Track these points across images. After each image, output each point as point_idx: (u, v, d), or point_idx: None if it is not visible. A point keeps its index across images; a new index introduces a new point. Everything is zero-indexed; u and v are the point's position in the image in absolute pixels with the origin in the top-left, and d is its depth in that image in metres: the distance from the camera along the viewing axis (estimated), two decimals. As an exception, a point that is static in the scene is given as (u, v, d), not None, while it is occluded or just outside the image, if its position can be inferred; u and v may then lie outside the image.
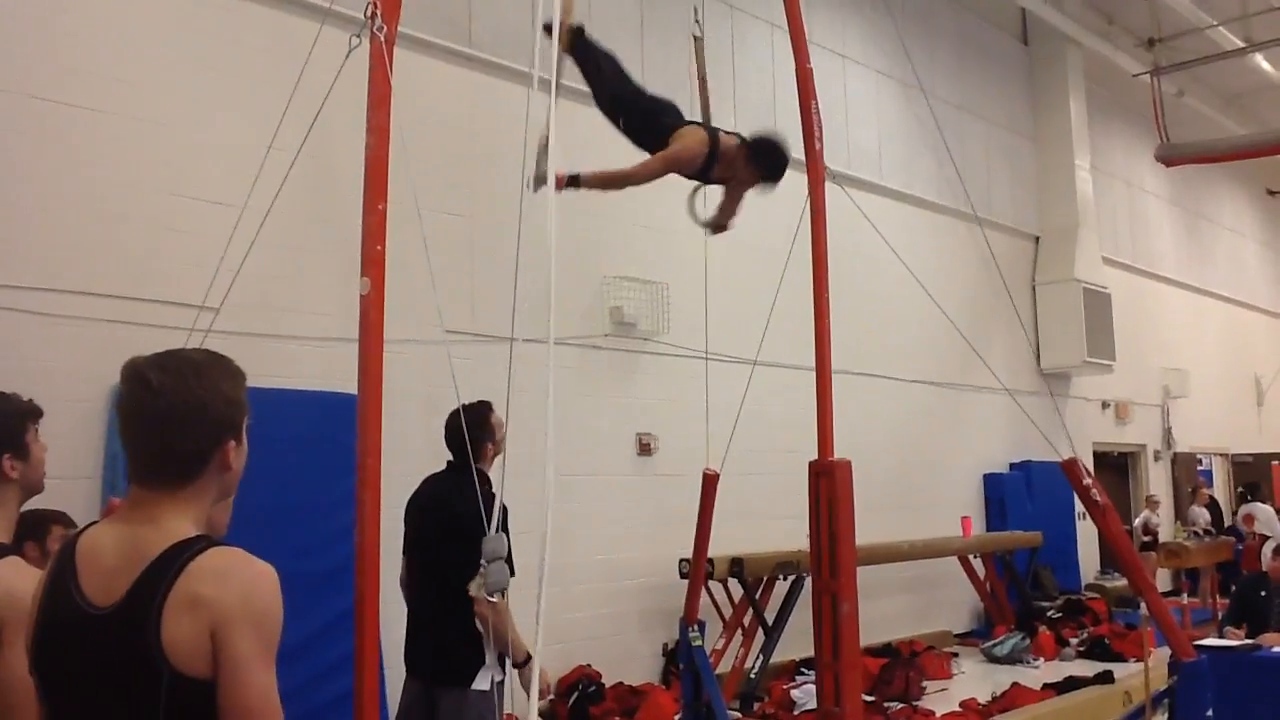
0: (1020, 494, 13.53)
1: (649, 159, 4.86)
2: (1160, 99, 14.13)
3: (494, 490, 4.14)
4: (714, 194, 5.36)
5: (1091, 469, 6.44)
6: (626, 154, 5.12)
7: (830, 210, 6.33)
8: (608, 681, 8.28)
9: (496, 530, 3.18)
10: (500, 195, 7.69)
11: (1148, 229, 17.81)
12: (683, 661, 7.02)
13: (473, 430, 4.37)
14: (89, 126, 6.35)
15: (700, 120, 5.28)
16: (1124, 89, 16.28)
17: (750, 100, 10.69)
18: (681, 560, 8.15)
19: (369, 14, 3.75)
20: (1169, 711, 5.89)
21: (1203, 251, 19.40)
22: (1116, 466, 16.74)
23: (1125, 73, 15.53)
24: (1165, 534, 14.96)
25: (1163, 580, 14.63)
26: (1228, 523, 15.73)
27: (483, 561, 3.38)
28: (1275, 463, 18.51)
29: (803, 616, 7.39)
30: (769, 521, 9.44)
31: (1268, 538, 10.93)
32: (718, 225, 5.36)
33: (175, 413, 1.90)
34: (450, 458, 4.64)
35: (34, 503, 3.00)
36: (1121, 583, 13.62)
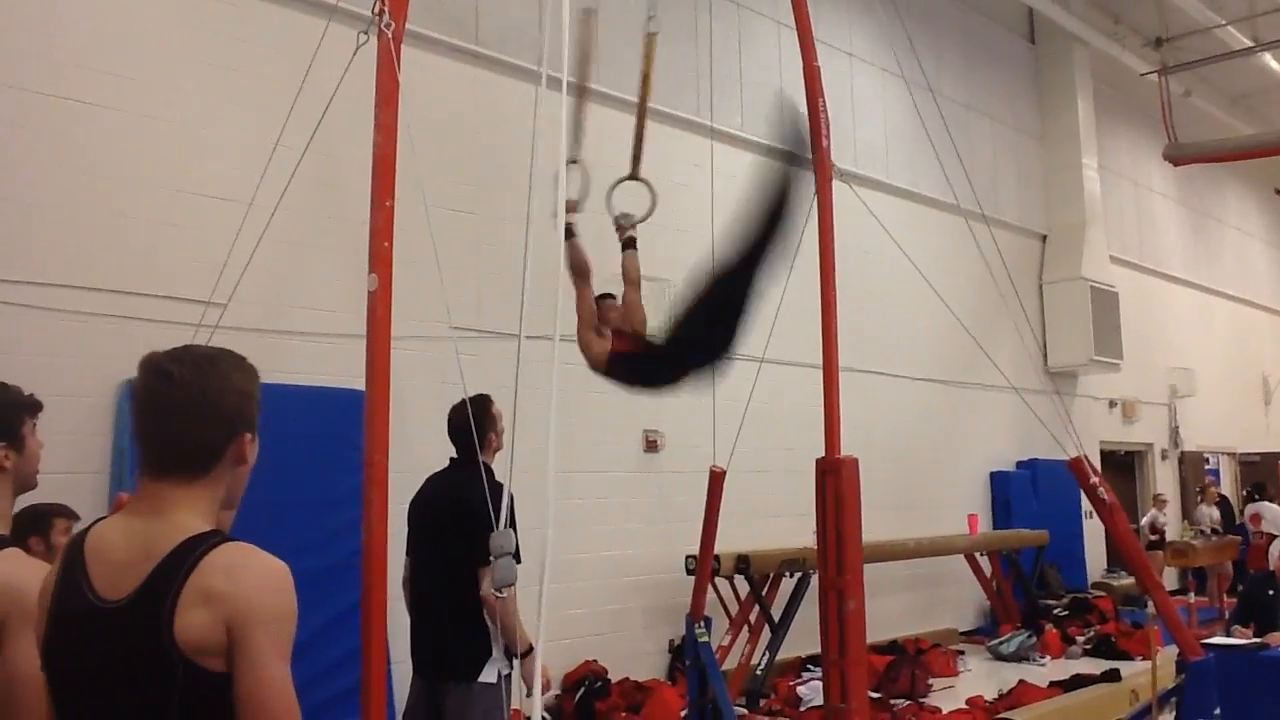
0: (1026, 492, 13.52)
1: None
2: (1168, 98, 14.09)
3: (500, 482, 4.16)
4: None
5: (1098, 468, 6.44)
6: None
7: (837, 208, 6.34)
8: (614, 677, 8.29)
9: (504, 525, 3.18)
10: (507, 191, 7.71)
11: (1155, 228, 17.78)
12: (689, 658, 7.04)
13: (476, 422, 4.39)
14: (96, 123, 6.36)
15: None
16: (1131, 88, 16.25)
17: (757, 99, 10.70)
18: (688, 557, 8.16)
19: (376, 11, 3.76)
20: (1176, 710, 5.89)
21: (1210, 251, 19.36)
22: (1123, 465, 16.72)
23: (1132, 72, 15.50)
24: (1172, 533, 14.94)
25: (1169, 579, 14.61)
26: (1239, 520, 15.71)
27: (490, 557, 3.39)
28: (1282, 462, 18.48)
29: (809, 613, 7.39)
30: (775, 518, 9.45)
31: (1275, 536, 10.89)
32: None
33: (191, 404, 1.92)
34: (453, 454, 4.65)
35: (37, 497, 3.00)
36: (1128, 581, 13.61)
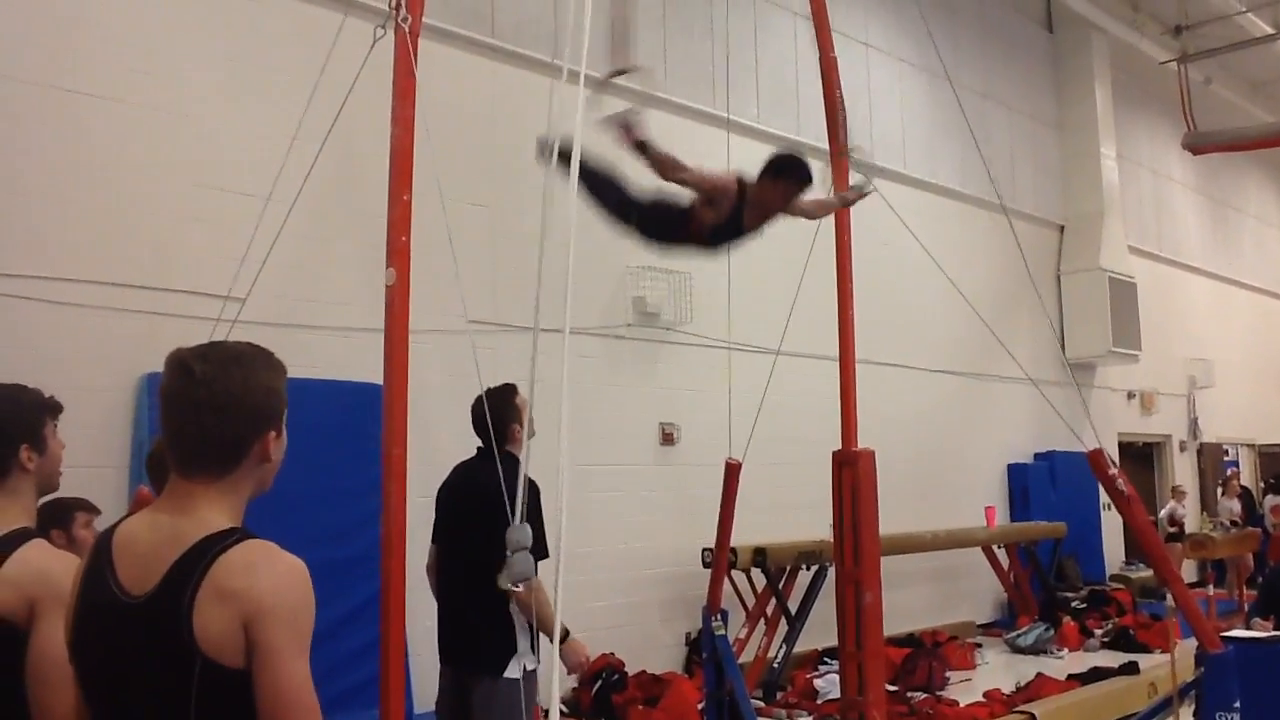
0: (1044, 484, 13.48)
1: (697, 170, 4.65)
2: (1187, 86, 13.98)
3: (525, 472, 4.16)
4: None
5: (1116, 459, 6.41)
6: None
7: (853, 199, 6.30)
8: (631, 670, 8.30)
9: (521, 518, 3.18)
10: (523, 185, 7.71)
11: (1174, 218, 17.66)
12: (706, 650, 7.04)
13: (499, 412, 4.39)
14: (115, 118, 6.40)
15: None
16: (1150, 76, 16.13)
17: (773, 90, 10.67)
18: (704, 549, 8.16)
19: (394, 5, 3.77)
20: (1195, 703, 5.86)
21: (1229, 240, 19.23)
22: (1142, 457, 16.64)
23: (1152, 60, 15.39)
24: (1191, 525, 14.87)
25: (1188, 571, 14.55)
26: (1260, 512, 15.63)
27: (506, 551, 3.39)
28: (1303, 453, 18.39)
29: (825, 606, 7.39)
30: (792, 511, 9.44)
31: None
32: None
33: (218, 401, 1.93)
34: (479, 444, 4.65)
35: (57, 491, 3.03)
36: (1146, 573, 13.55)
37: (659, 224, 4.70)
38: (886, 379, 10.76)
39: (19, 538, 2.49)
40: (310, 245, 6.67)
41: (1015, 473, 13.41)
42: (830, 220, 6.20)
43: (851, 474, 6.00)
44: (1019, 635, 11.07)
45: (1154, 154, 17.13)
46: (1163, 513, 14.64)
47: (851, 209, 6.21)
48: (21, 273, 5.92)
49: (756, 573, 9.09)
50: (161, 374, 2.00)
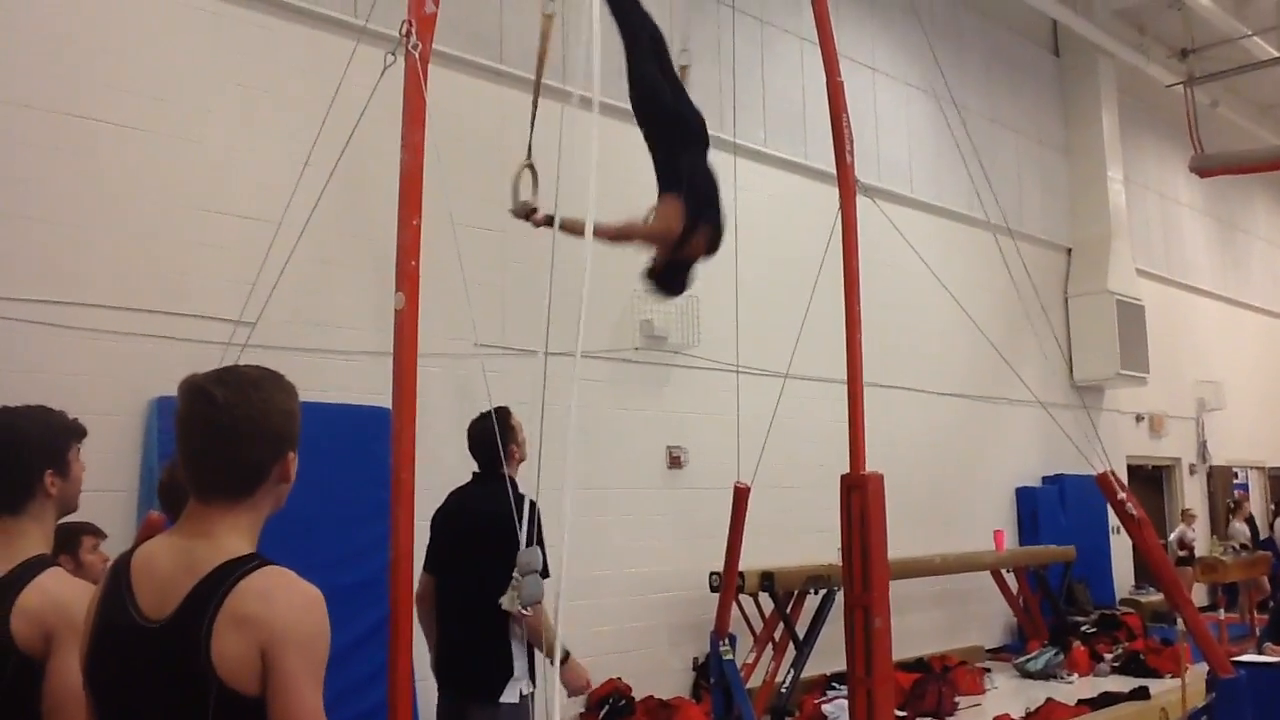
0: (1053, 507, 13.42)
1: (629, 226, 4.69)
2: (1194, 109, 14.00)
3: (523, 494, 4.17)
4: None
5: (1125, 482, 6.39)
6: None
7: (861, 223, 6.33)
8: (638, 695, 8.27)
9: (530, 542, 3.19)
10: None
11: (1182, 240, 17.65)
12: (713, 675, 7.03)
13: (495, 435, 4.39)
14: (127, 144, 6.44)
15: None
16: (1157, 100, 16.17)
17: (780, 113, 10.71)
18: (712, 574, 8.14)
19: (404, 32, 3.80)
20: (1207, 728, 5.83)
21: (1238, 263, 19.20)
22: (1151, 480, 16.57)
23: (1158, 83, 15.42)
24: (1201, 548, 14.79)
25: (1199, 595, 14.46)
26: (1263, 535, 15.55)
27: (516, 574, 3.39)
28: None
29: (834, 631, 7.36)
30: (800, 535, 9.42)
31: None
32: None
33: (239, 426, 1.95)
34: (475, 469, 4.66)
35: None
36: (1157, 597, 13.47)
37: (654, 153, 4.72)
38: (894, 402, 10.76)
39: (37, 565, 2.48)
40: (320, 270, 6.70)
41: (1024, 496, 13.36)
42: (838, 243, 6.21)
43: (860, 498, 5.98)
44: (1028, 660, 11.02)
45: (1161, 177, 17.14)
46: (1172, 536, 14.57)
47: (859, 231, 6.23)
48: (32, 297, 5.95)
49: (764, 597, 9.05)
50: (177, 400, 2.01)
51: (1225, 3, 14.13)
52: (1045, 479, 13.55)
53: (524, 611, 3.47)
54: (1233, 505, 16.18)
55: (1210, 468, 17.40)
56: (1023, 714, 8.64)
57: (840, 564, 6.23)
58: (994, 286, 11.92)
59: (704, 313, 9.23)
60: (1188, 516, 14.99)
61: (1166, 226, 17.29)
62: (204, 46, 6.88)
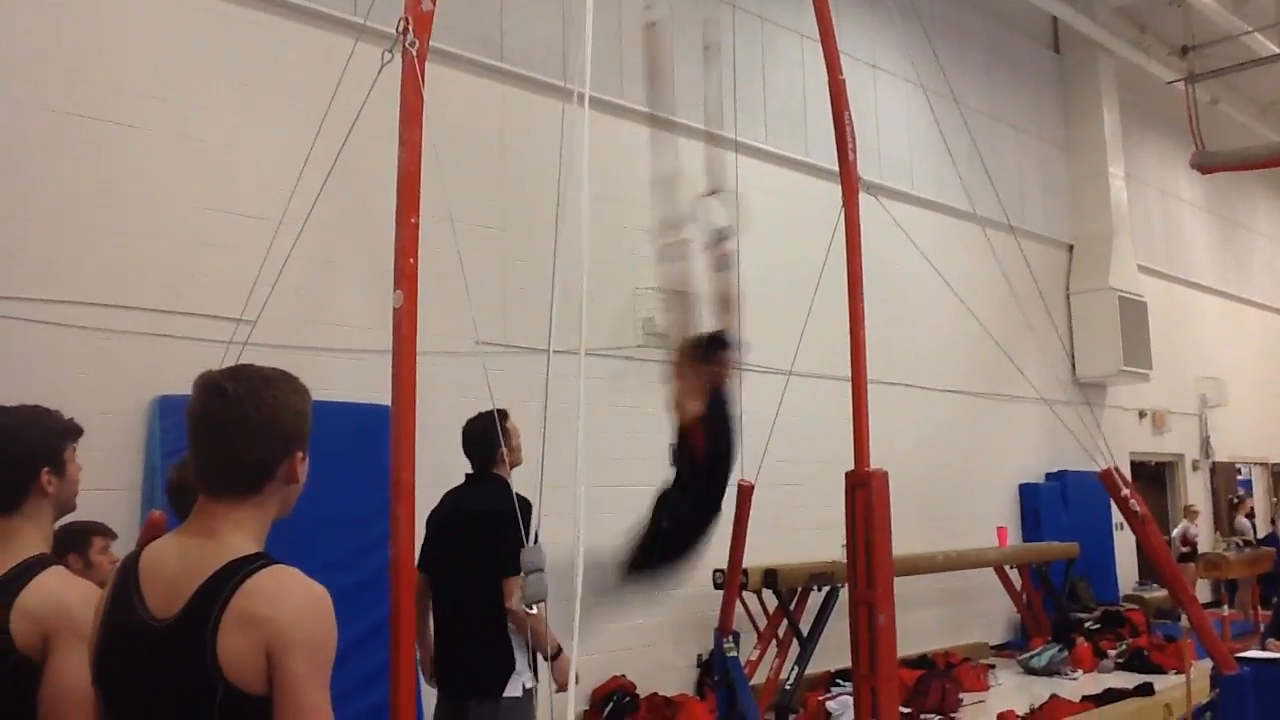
0: (1056, 504, 13.42)
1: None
2: (1194, 106, 13.99)
3: (518, 494, 4.17)
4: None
5: (1129, 479, 6.39)
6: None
7: (863, 220, 6.32)
8: (642, 692, 8.27)
9: (535, 540, 3.18)
10: (532, 207, 7.73)
11: (1183, 237, 17.64)
12: (717, 673, 7.02)
13: (490, 436, 4.40)
14: (127, 143, 6.44)
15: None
16: (1158, 97, 16.14)
17: (781, 111, 10.70)
18: (716, 571, 8.12)
19: (401, 30, 3.78)
20: (1211, 725, 5.82)
21: (1239, 259, 19.19)
22: (1154, 476, 16.56)
23: (1159, 80, 15.39)
24: (1204, 544, 14.78)
25: (1202, 591, 14.45)
26: (1263, 533, 15.54)
27: (522, 573, 3.38)
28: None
29: (838, 628, 7.35)
30: (803, 532, 9.40)
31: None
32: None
33: (249, 422, 1.96)
34: (468, 470, 4.66)
35: (69, 516, 3.03)
36: (1160, 594, 13.47)
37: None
38: (898, 399, 10.74)
39: (36, 565, 2.47)
40: (321, 268, 6.69)
41: (1027, 493, 13.36)
42: (841, 241, 6.20)
43: (865, 495, 5.98)
44: (1032, 656, 11.01)
45: (1162, 173, 17.12)
46: (1175, 532, 14.56)
47: (861, 228, 6.22)
48: (33, 296, 5.94)
49: (768, 594, 9.05)
50: (190, 396, 2.01)
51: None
52: (1048, 475, 13.54)
53: (529, 610, 3.46)
54: (1235, 501, 16.17)
55: (1213, 464, 17.39)
56: (1027, 711, 8.64)
57: (843, 561, 6.23)
58: (996, 283, 11.86)
59: (705, 310, 9.20)
60: (1190, 513, 14.99)
61: (1168, 223, 17.27)
62: (204, 46, 6.87)
